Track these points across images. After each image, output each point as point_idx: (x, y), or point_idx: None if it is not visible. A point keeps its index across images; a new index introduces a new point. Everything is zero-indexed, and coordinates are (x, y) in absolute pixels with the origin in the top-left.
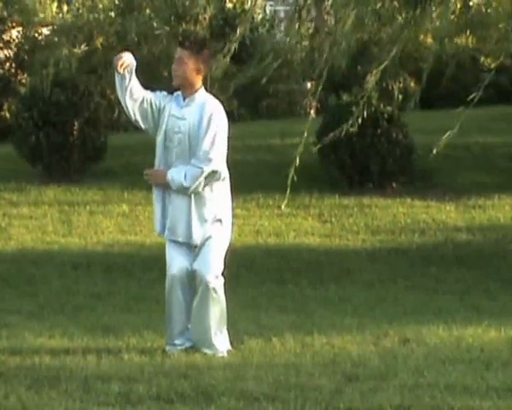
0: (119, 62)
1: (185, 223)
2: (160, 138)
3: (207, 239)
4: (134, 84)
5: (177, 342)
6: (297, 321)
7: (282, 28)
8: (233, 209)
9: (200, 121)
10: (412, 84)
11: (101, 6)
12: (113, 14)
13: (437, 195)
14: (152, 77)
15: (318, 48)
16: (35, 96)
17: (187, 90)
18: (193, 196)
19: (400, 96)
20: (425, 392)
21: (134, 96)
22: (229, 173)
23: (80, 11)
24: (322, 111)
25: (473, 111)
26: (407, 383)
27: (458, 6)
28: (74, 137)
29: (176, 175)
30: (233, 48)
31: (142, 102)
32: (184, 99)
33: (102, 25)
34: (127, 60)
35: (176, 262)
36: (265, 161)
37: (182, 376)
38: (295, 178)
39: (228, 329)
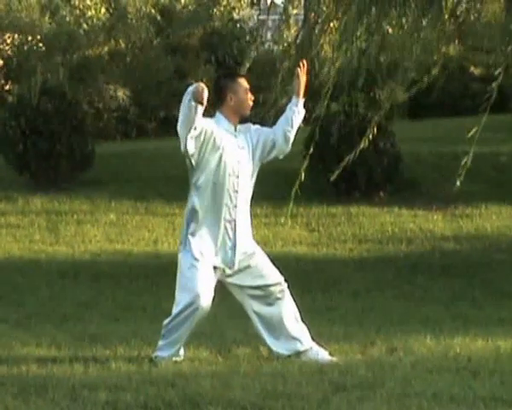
0: (204, 95)
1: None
2: (221, 169)
3: (255, 254)
4: (200, 116)
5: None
6: None
7: (269, 37)
8: None
9: (251, 146)
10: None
11: (89, 14)
12: (101, 23)
13: (424, 204)
14: (143, 87)
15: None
16: (22, 105)
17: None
18: (242, 218)
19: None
20: (412, 401)
21: (196, 130)
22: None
23: (68, 20)
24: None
25: (460, 120)
26: (394, 392)
27: (446, 16)
28: (62, 145)
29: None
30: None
31: (201, 132)
32: (235, 128)
33: (91, 34)
34: (206, 93)
35: (206, 296)
36: None
37: (169, 384)
38: (294, 187)
39: (215, 337)
